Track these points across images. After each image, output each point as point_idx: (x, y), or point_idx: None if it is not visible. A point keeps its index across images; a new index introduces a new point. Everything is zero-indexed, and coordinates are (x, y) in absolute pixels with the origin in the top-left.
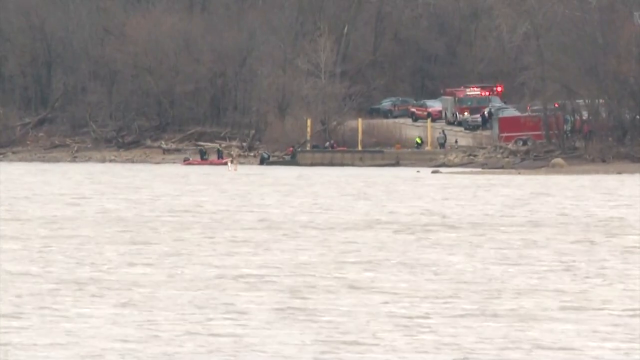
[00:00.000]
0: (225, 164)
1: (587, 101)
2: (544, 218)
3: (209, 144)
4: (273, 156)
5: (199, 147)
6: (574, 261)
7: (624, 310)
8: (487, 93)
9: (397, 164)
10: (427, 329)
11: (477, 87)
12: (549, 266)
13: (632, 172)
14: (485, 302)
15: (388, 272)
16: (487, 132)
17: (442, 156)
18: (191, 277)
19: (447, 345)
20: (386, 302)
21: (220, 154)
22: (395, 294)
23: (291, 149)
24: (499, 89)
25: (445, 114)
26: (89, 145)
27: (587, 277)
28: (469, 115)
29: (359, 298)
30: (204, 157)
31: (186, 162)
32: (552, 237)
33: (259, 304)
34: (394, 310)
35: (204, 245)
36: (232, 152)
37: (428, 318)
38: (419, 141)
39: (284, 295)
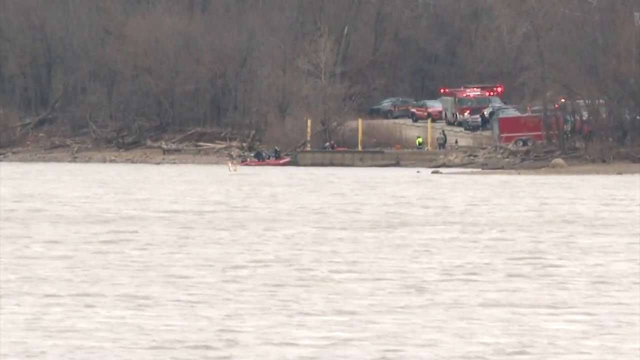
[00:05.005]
0: (285, 164)
1: (587, 101)
2: None
3: (209, 144)
4: (273, 156)
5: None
6: None
7: None
8: (489, 93)
9: (397, 164)
10: None
11: (477, 88)
12: None
13: (632, 172)
14: None
15: None
16: (487, 133)
17: (442, 156)
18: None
19: None
20: None
21: (277, 154)
22: None
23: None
24: (499, 89)
25: (445, 114)
26: (89, 146)
27: None
28: (469, 115)
29: None
30: (260, 158)
31: (243, 163)
32: None
33: None
34: None
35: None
36: (231, 153)
37: None
38: (419, 141)
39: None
